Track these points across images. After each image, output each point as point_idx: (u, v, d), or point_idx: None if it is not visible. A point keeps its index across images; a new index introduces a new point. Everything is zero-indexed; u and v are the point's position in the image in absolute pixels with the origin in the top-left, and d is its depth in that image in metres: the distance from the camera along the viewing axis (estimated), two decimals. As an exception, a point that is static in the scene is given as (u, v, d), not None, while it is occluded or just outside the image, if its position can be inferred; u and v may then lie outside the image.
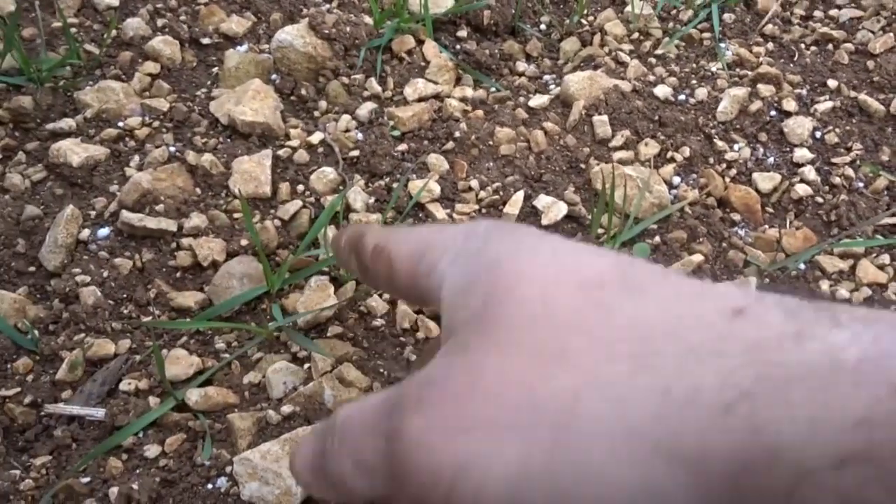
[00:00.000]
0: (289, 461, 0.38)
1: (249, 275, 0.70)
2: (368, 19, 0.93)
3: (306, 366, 0.63)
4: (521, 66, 0.95)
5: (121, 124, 0.86)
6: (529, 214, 0.76)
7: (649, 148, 0.80)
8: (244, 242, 0.72)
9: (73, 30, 0.95)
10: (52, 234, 0.72)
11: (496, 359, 0.27)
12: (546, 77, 0.94)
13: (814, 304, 0.24)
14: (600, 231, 0.74)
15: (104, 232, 0.74)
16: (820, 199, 0.79)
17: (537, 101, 0.85)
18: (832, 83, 0.89)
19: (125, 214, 0.73)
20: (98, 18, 1.01)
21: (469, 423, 0.26)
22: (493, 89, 0.90)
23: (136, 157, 0.82)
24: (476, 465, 0.26)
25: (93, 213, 0.76)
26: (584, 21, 1.00)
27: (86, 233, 0.73)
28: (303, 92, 0.87)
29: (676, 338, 0.25)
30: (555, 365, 0.26)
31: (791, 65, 0.92)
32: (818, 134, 0.84)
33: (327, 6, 1.03)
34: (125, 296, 0.70)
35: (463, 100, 0.87)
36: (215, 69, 0.95)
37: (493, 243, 0.32)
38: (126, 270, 0.71)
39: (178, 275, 0.72)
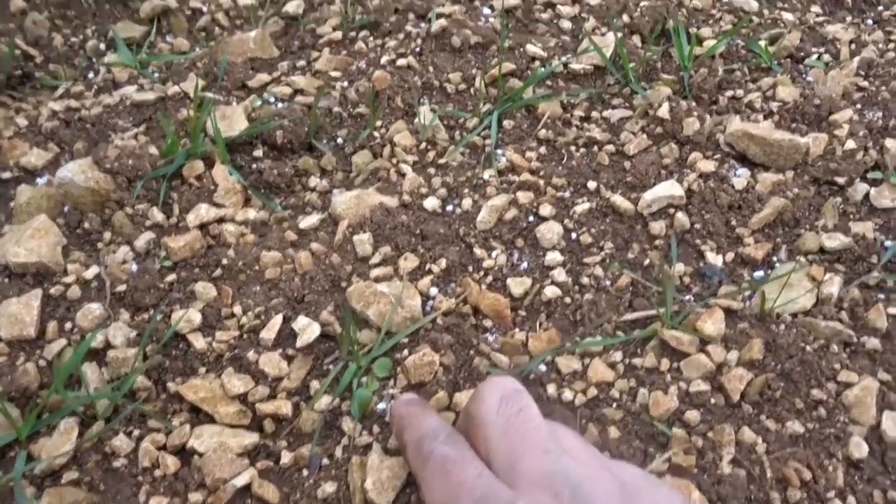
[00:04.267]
0: None
1: None
2: (154, 150, 0.97)
3: (35, 516, 0.65)
4: (314, 181, 1.01)
5: None
6: (288, 337, 0.79)
7: (408, 262, 0.85)
8: (-2, 388, 0.74)
9: None
10: None
11: None
12: (335, 191, 0.99)
13: None
14: (356, 348, 0.79)
15: None
16: (568, 300, 0.84)
17: (308, 221, 0.90)
18: (592, 185, 0.96)
19: None
20: None
21: None
22: (276, 210, 0.95)
23: (-86, 303, 0.84)
24: None
25: None
26: (376, 133, 1.06)
27: None
28: (86, 225, 0.91)
29: None
30: None
31: (559, 167, 1.00)
32: (573, 235, 0.90)
33: (135, 130, 1.08)
34: None
35: (244, 223, 0.92)
36: (13, 203, 0.98)
37: None
38: None
39: (-66, 424, 0.74)
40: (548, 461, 0.54)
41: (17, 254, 0.84)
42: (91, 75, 1.25)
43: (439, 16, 1.21)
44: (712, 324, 0.78)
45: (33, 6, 1.33)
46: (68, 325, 0.81)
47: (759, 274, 0.87)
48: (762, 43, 1.19)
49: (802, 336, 0.77)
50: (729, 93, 1.09)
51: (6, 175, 1.00)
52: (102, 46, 1.31)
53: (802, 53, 1.20)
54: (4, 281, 0.85)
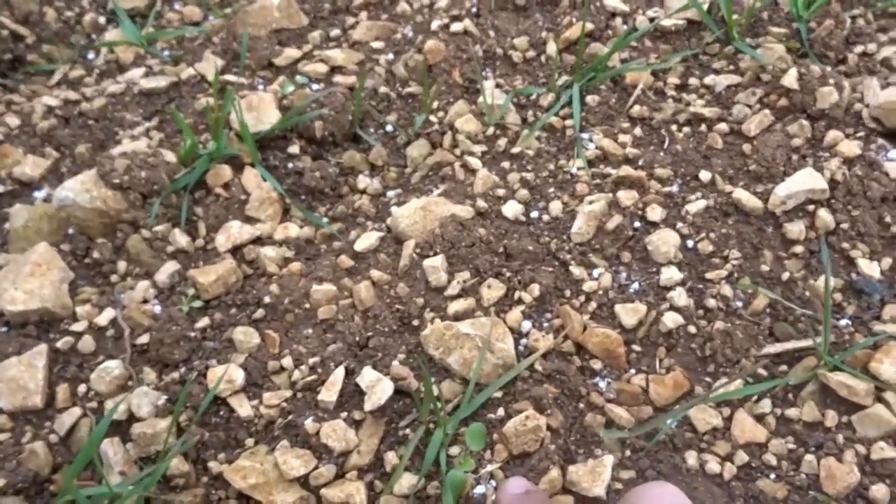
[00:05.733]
0: None
1: (5, 526, 0.57)
2: (172, 156, 0.80)
3: None
4: (363, 180, 0.84)
5: None
6: (352, 395, 0.64)
7: (493, 291, 0.69)
8: (1, 482, 0.60)
9: None
10: None
11: None
12: (389, 193, 0.83)
13: None
14: (439, 408, 0.63)
15: None
16: (693, 329, 0.68)
17: (364, 242, 0.74)
18: (705, 175, 0.78)
19: None
20: None
21: None
22: (322, 225, 0.78)
23: None
24: None
25: None
26: (433, 118, 0.89)
27: None
28: (96, 255, 0.75)
29: None
30: None
31: (661, 153, 0.82)
32: (690, 243, 0.73)
33: (146, 125, 0.91)
34: None
35: (285, 243, 0.76)
36: (7, 225, 0.82)
37: None
38: None
39: (-72, 526, 0.60)
40: None
41: (14, 300, 0.69)
42: (91, 56, 1.07)
43: (496, -34, 1.01)
44: (891, 364, 0.61)
45: (20, -24, 1.15)
46: (82, 389, 0.66)
47: (931, 287, 0.69)
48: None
49: None
50: (858, 48, 0.89)
51: (-1, 189, 0.84)
52: (102, 20, 1.13)
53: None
54: (2, 332, 0.70)
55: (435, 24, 0.97)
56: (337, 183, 0.84)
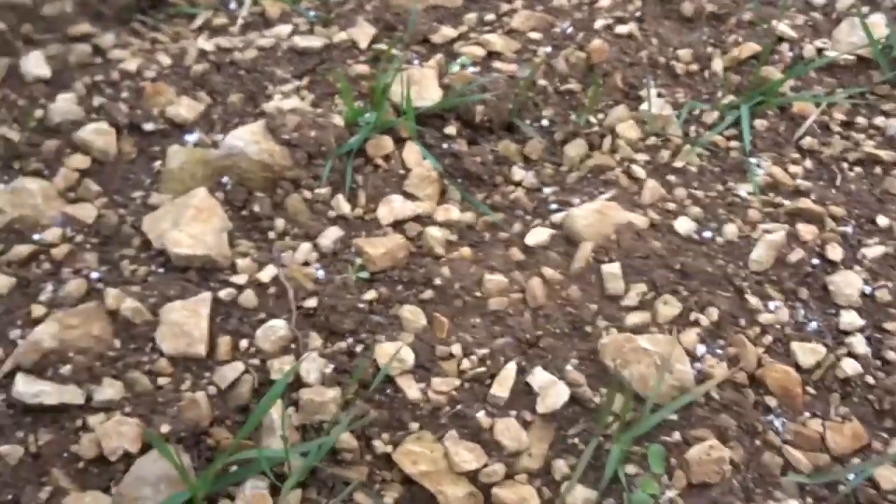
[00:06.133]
0: None
1: (168, 477, 0.55)
2: (339, 119, 0.78)
3: None
4: (518, 173, 0.81)
5: (36, 237, 0.71)
6: (523, 394, 0.62)
7: (669, 308, 0.66)
8: (165, 429, 0.58)
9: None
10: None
11: None
12: (546, 190, 0.80)
13: None
14: (610, 419, 0.61)
15: (-8, 403, 0.59)
16: (871, 380, 0.65)
17: (535, 237, 0.71)
18: (882, 221, 0.75)
19: (19, 385, 0.58)
20: (24, 93, 0.86)
21: None
22: (486, 212, 0.76)
23: (49, 288, 0.67)
24: None
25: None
26: (592, 119, 0.86)
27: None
28: (256, 208, 0.73)
29: None
30: None
31: (833, 190, 0.79)
32: (867, 289, 0.70)
33: (296, 83, 0.89)
34: (10, 497, 0.56)
35: (447, 225, 0.73)
36: (158, 163, 0.80)
37: None
38: (15, 460, 0.57)
39: (82, 465, 0.58)
40: None
41: (179, 242, 0.67)
42: (232, 6, 1.05)
43: (664, -26, 0.99)
44: None
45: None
46: (244, 344, 0.64)
47: None
48: None
49: None
50: None
51: (150, 126, 0.82)
52: (245, -30, 1.11)
53: None
54: (161, 271, 0.68)
55: (598, 24, 0.94)
56: (492, 171, 0.81)
